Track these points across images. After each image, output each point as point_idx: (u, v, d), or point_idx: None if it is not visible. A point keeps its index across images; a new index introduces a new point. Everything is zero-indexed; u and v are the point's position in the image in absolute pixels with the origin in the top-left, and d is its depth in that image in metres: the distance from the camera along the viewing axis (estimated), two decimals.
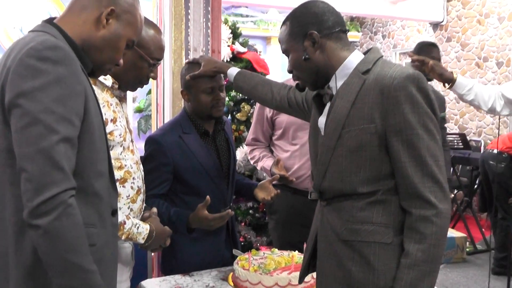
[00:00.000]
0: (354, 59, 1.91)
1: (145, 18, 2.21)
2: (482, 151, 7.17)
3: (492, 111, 3.04)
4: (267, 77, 4.94)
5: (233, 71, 2.61)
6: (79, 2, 1.72)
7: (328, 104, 1.96)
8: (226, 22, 4.84)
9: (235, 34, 4.85)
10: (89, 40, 1.69)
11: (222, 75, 2.72)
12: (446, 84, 3.08)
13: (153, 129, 4.34)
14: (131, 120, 7.77)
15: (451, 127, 8.89)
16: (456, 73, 3.09)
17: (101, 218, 1.67)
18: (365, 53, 1.94)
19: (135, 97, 8.76)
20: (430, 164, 1.75)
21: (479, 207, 6.34)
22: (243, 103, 4.65)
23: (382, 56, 1.92)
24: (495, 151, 5.76)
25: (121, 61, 1.80)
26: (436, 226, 1.73)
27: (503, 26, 8.08)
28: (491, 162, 5.76)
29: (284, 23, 2.02)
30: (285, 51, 2.03)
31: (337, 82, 1.92)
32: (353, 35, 11.08)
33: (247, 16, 9.84)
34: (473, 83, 3.05)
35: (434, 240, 1.73)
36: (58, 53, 1.50)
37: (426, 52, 3.95)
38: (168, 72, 4.00)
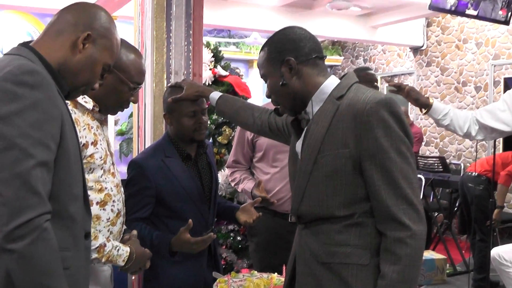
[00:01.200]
0: (329, 84, 1.95)
1: (125, 42, 2.24)
2: (461, 174, 7.24)
3: (467, 135, 3.09)
4: (249, 100, 5.02)
5: (215, 95, 2.63)
6: (56, 26, 1.73)
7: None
8: (208, 45, 4.88)
9: (217, 58, 4.89)
10: (66, 64, 1.69)
11: (204, 98, 2.74)
12: (423, 109, 3.13)
13: (135, 152, 4.34)
14: (112, 143, 7.77)
15: (431, 150, 8.98)
16: (432, 98, 3.14)
17: (75, 242, 1.66)
18: (341, 79, 1.98)
19: (117, 120, 8.78)
20: (404, 187, 1.78)
21: (459, 229, 6.40)
22: (224, 127, 4.67)
23: (357, 81, 1.96)
24: (474, 173, 5.83)
25: (97, 85, 1.80)
26: (411, 248, 1.76)
27: (480, 52, 8.23)
28: (470, 184, 5.82)
29: (262, 48, 2.06)
30: (263, 76, 2.07)
31: (313, 107, 1.95)
32: (334, 59, 11.20)
33: (229, 39, 9.91)
34: (449, 108, 3.10)
35: (409, 261, 1.76)
36: (35, 78, 1.51)
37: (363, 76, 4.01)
38: (149, 96, 4.01)
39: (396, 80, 9.82)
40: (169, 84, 3.33)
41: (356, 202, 1.85)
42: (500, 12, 5.46)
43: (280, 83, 1.97)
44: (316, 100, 1.95)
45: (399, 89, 3.18)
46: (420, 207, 1.81)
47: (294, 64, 1.95)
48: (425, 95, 3.18)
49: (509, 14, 5.59)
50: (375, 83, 3.92)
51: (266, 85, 2.08)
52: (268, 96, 2.09)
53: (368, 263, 1.84)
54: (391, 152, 1.78)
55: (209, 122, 4.58)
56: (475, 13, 5.26)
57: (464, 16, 5.69)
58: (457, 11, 5.40)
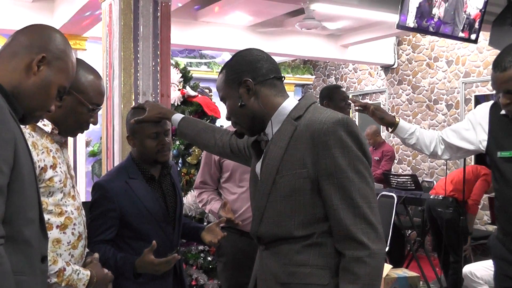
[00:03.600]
0: (287, 105, 1.97)
1: (84, 63, 2.22)
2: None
3: (434, 155, 3.12)
4: (218, 120, 5.04)
5: (177, 117, 2.63)
6: (10, 48, 1.72)
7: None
8: (177, 65, 4.88)
9: (186, 78, 4.90)
10: (20, 87, 1.68)
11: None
12: (389, 128, 3.16)
13: (104, 173, 4.31)
14: (84, 164, 7.65)
15: (404, 168, 9.04)
16: (398, 117, 3.17)
17: (31, 265, 1.64)
18: (299, 100, 2.00)
19: (89, 141, 8.73)
20: (362, 206, 1.79)
21: (433, 246, 6.41)
22: (193, 147, 4.67)
23: (315, 102, 1.98)
24: (439, 197, 5.86)
25: (53, 107, 1.79)
26: (370, 267, 1.77)
27: (451, 70, 8.33)
28: (439, 209, 5.81)
29: (221, 71, 2.08)
30: (222, 98, 2.08)
31: (273, 128, 1.97)
32: (306, 78, 11.26)
33: (200, 59, 9.93)
34: (416, 127, 3.13)
35: (368, 280, 1.76)
36: None
37: (330, 95, 4.05)
38: (117, 116, 4.01)
39: (367, 99, 9.91)
40: (131, 106, 3.32)
41: (314, 222, 1.86)
42: (462, 34, 5.57)
43: (239, 104, 1.99)
44: (275, 121, 1.96)
45: (364, 108, 3.21)
46: (379, 226, 1.82)
47: (252, 85, 1.96)
48: (396, 114, 3.21)
49: (474, 34, 5.71)
50: (348, 101, 3.96)
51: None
52: (227, 118, 2.10)
53: (328, 283, 1.84)
54: (349, 172, 1.80)
55: (178, 142, 4.61)
56: (440, 32, 5.37)
57: (433, 35, 5.80)
58: (422, 30, 5.50)
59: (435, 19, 5.36)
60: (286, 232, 1.89)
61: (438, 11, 5.35)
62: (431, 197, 6.08)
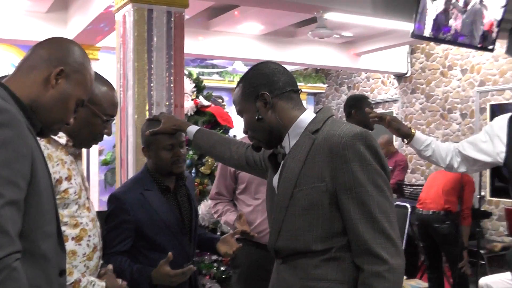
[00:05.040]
0: (305, 118, 1.96)
1: (98, 74, 2.22)
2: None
3: (450, 168, 3.10)
4: (231, 130, 5.03)
5: (192, 129, 2.63)
6: (29, 61, 1.72)
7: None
8: (190, 75, 4.89)
9: (199, 88, 4.91)
10: (38, 101, 1.68)
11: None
12: (405, 140, 3.14)
13: (117, 183, 4.32)
14: (97, 173, 7.71)
15: (417, 178, 8.99)
16: (414, 129, 3.15)
17: (48, 280, 1.64)
18: (317, 113, 1.99)
19: (102, 150, 8.76)
20: (381, 220, 1.78)
21: (428, 265, 6.23)
22: (207, 157, 4.66)
23: (333, 115, 1.98)
24: (431, 212, 5.67)
25: (72, 120, 1.79)
26: (389, 282, 1.75)
27: (465, 78, 8.28)
28: (435, 225, 5.64)
29: (237, 85, 2.08)
30: (239, 112, 2.08)
31: (290, 141, 1.96)
32: (318, 87, 11.25)
33: (212, 68, 9.94)
34: (431, 139, 3.11)
35: None
36: (4, 116, 1.50)
37: (358, 105, 4.03)
38: (131, 127, 4.02)
39: (380, 108, 9.87)
40: (146, 118, 3.32)
41: (333, 236, 1.85)
42: (479, 44, 5.53)
43: (256, 118, 1.99)
44: (292, 134, 1.96)
45: (380, 119, 3.20)
46: (398, 241, 1.81)
47: (269, 98, 1.96)
48: (409, 123, 3.20)
49: (491, 45, 5.66)
50: None
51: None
52: (245, 132, 2.10)
53: None
54: (367, 186, 1.79)
55: (191, 152, 4.61)
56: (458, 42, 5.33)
57: (449, 44, 5.76)
58: (438, 40, 5.47)
59: (452, 31, 5.33)
60: (304, 246, 1.88)
61: (455, 23, 5.32)
62: (422, 212, 5.84)
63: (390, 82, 9.77)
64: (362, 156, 1.79)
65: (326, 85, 11.37)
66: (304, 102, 9.53)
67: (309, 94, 11.45)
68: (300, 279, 1.89)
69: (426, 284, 5.70)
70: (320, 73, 11.38)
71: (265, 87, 1.97)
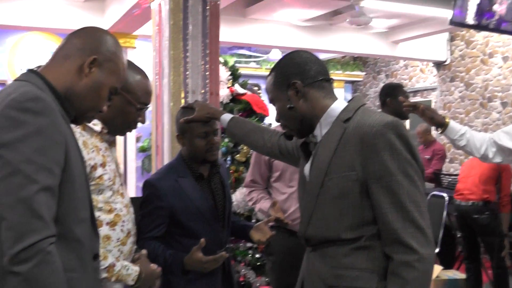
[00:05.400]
0: (336, 107, 1.96)
1: (132, 63, 2.26)
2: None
3: (484, 158, 3.05)
4: (267, 118, 5.04)
5: (226, 117, 2.65)
6: (63, 51, 1.76)
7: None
8: (225, 63, 4.90)
9: (235, 76, 4.91)
10: (72, 89, 1.72)
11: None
12: (439, 129, 3.10)
13: (153, 170, 4.37)
14: (134, 159, 7.81)
15: (456, 167, 8.87)
16: (448, 118, 3.11)
17: (82, 263, 1.68)
18: (349, 102, 1.99)
19: (139, 137, 8.87)
20: (411, 210, 1.77)
21: (465, 256, 6.12)
22: (242, 145, 4.68)
23: (364, 104, 1.97)
24: (471, 203, 5.55)
25: (105, 108, 1.83)
26: (418, 271, 1.75)
27: (507, 66, 8.11)
28: (474, 216, 5.52)
29: (270, 73, 2.09)
30: (272, 101, 2.09)
31: (321, 130, 1.97)
32: (356, 75, 11.17)
33: (249, 56, 9.95)
34: (466, 129, 3.06)
35: (416, 285, 1.75)
36: (39, 104, 1.54)
37: (394, 93, 3.98)
38: (167, 115, 4.05)
39: (418, 96, 9.76)
40: (181, 106, 3.35)
41: (363, 225, 1.85)
42: None
43: (288, 106, 2.00)
44: (324, 123, 1.96)
45: (414, 108, 3.17)
46: (428, 230, 1.79)
47: (300, 87, 1.97)
48: (448, 112, 3.15)
49: None
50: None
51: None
52: (277, 120, 2.11)
53: (376, 287, 1.83)
54: (398, 175, 1.78)
55: (227, 140, 4.63)
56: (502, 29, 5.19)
57: (491, 31, 5.63)
58: (480, 27, 5.34)
59: (496, 17, 5.19)
60: (334, 235, 1.88)
61: (500, 8, 5.19)
62: (461, 203, 5.72)
63: (428, 70, 9.65)
64: (393, 145, 1.79)
65: (364, 73, 11.29)
66: (341, 90, 9.56)
67: (346, 82, 11.39)
68: (330, 268, 1.90)
69: (463, 275, 5.61)
70: (358, 61, 11.30)
71: (297, 76, 1.98)
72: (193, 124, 2.69)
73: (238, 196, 4.51)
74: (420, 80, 9.84)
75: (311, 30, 8.09)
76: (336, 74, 10.72)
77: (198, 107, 2.69)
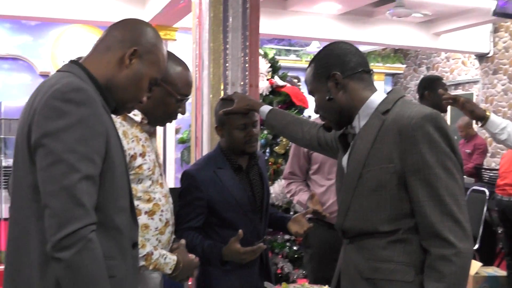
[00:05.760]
0: (375, 99, 1.95)
1: (173, 55, 2.29)
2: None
3: None
4: (306, 110, 5.02)
5: (265, 109, 2.65)
6: (104, 42, 1.80)
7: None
8: (265, 55, 4.90)
9: (275, 68, 4.90)
10: (113, 80, 1.75)
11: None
12: (479, 122, 3.06)
13: (192, 161, 4.40)
14: (173, 151, 7.90)
15: (497, 162, 8.69)
16: (489, 111, 3.06)
17: (122, 251, 1.72)
18: (388, 93, 1.98)
19: (179, 128, 8.94)
20: (449, 203, 1.76)
21: (506, 252, 5.99)
22: (281, 137, 4.68)
23: (403, 96, 1.96)
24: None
25: (145, 98, 1.85)
26: (456, 266, 1.74)
27: None
28: None
29: (309, 65, 2.09)
30: (311, 92, 2.09)
31: (360, 122, 1.97)
32: (396, 67, 11.06)
33: (289, 48, 9.93)
34: (507, 122, 3.01)
35: (453, 280, 1.73)
36: (81, 95, 1.58)
37: (432, 86, 3.91)
38: (206, 106, 4.07)
39: (460, 89, 9.61)
40: (220, 97, 3.37)
41: (400, 218, 1.84)
42: None
43: (327, 98, 2.00)
44: (363, 114, 1.96)
45: (454, 101, 3.14)
46: (466, 224, 1.78)
47: (340, 78, 1.96)
48: (490, 105, 3.10)
49: None
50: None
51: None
52: (316, 112, 2.11)
53: (413, 280, 1.82)
54: (436, 168, 1.77)
55: (266, 132, 4.63)
56: None
57: None
58: None
59: None
60: (371, 227, 1.88)
61: None
62: (502, 198, 5.61)
63: (470, 62, 9.49)
64: (432, 137, 1.77)
65: (404, 66, 11.17)
66: (381, 83, 9.49)
67: (387, 74, 11.29)
68: (366, 260, 1.90)
69: (504, 272, 5.50)
70: (399, 53, 11.18)
71: (337, 68, 1.97)
72: (232, 116, 2.70)
73: (276, 188, 4.51)
74: (461, 72, 9.68)
75: (351, 22, 8.04)
76: (376, 67, 10.64)
77: (237, 99, 2.70)
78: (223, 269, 2.68)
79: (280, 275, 4.50)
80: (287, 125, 2.58)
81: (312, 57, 2.12)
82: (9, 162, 6.23)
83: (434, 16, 8.01)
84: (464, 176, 6.14)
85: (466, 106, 3.07)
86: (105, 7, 6.76)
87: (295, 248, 4.55)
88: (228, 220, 2.73)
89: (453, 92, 8.80)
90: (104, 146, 1.62)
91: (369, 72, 2.02)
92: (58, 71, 1.75)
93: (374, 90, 2.00)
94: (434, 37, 8.64)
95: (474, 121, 3.33)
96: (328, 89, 1.99)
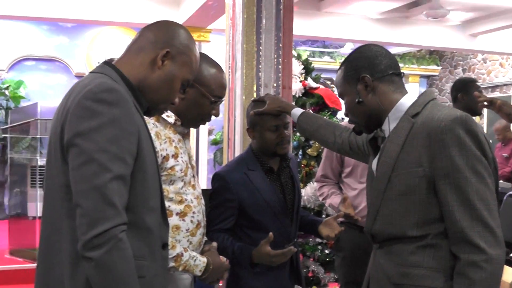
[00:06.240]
0: (405, 102, 1.94)
1: (207, 57, 2.30)
2: None
3: None
4: (339, 112, 4.99)
5: (297, 111, 2.64)
6: (137, 44, 1.81)
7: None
8: (299, 57, 4.88)
9: (308, 69, 4.88)
10: (145, 81, 1.77)
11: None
12: None
13: (225, 163, 4.40)
14: (206, 152, 7.93)
15: None
16: None
17: (151, 251, 1.73)
18: (418, 96, 1.96)
19: (212, 130, 8.98)
20: (480, 208, 1.73)
21: None
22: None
23: (434, 98, 1.94)
24: None
25: (177, 100, 1.86)
26: (486, 272, 1.70)
27: None
28: None
29: (340, 67, 2.08)
30: (341, 95, 2.09)
31: (390, 125, 1.95)
32: (432, 69, 10.95)
33: (323, 50, 9.89)
34: None
35: (484, 287, 1.70)
36: (113, 96, 1.59)
37: (465, 88, 3.84)
38: (239, 108, 4.08)
39: (497, 91, 9.46)
40: (252, 99, 3.36)
41: (430, 222, 1.82)
42: None
43: (356, 100, 1.99)
44: (392, 117, 1.94)
45: (490, 103, 3.09)
46: (497, 230, 1.74)
47: (370, 81, 1.95)
48: None
49: None
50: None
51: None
52: (346, 115, 2.11)
53: (442, 286, 1.80)
54: (466, 172, 1.74)
55: (298, 133, 4.61)
56: None
57: None
58: None
59: None
60: (400, 232, 1.87)
61: None
62: None
63: (509, 64, 9.34)
64: (462, 141, 1.75)
65: (440, 67, 11.05)
66: (416, 85, 9.39)
67: (422, 76, 11.18)
68: (395, 265, 1.88)
69: None
70: (434, 55, 11.06)
71: (367, 70, 1.96)
72: (264, 117, 2.69)
73: (309, 191, 4.49)
74: (499, 74, 9.53)
75: (386, 23, 7.97)
76: (411, 69, 10.55)
77: (269, 100, 2.69)
78: (253, 272, 2.67)
79: (311, 279, 4.48)
80: (318, 128, 2.57)
81: (343, 60, 2.11)
82: (45, 161, 6.34)
83: (471, 17, 7.90)
84: (500, 181, 6.06)
85: (503, 109, 3.02)
86: (140, 9, 6.83)
87: (326, 251, 4.52)
88: (259, 222, 2.72)
89: (490, 95, 8.67)
90: (136, 146, 1.63)
91: (399, 74, 2.01)
92: (91, 72, 1.77)
93: (404, 92, 1.98)
94: (471, 38, 8.52)
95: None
96: (357, 91, 1.98)
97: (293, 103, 4.41)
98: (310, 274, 4.49)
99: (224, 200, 2.69)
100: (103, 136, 1.55)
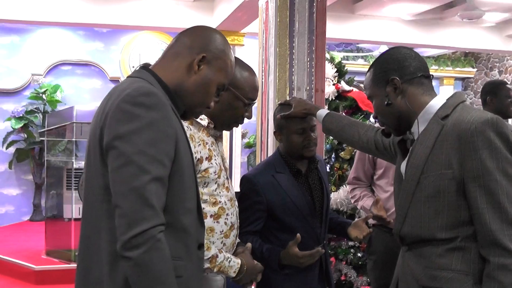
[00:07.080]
0: (435, 104, 1.94)
1: (240, 60, 2.34)
2: None
3: None
4: (372, 115, 4.97)
5: (322, 112, 2.66)
6: (173, 49, 1.86)
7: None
8: (332, 60, 4.88)
9: (341, 72, 4.88)
10: (182, 85, 1.81)
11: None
12: None
13: None
14: (240, 155, 7.96)
15: None
16: None
17: (188, 252, 1.76)
18: (448, 98, 1.95)
19: (246, 133, 9.02)
20: (510, 211, 1.72)
21: None
22: (338, 140, 4.64)
23: (464, 101, 1.93)
24: None
25: (212, 104, 1.90)
26: None
27: None
28: None
29: (369, 69, 2.10)
30: (370, 97, 2.10)
31: (419, 127, 1.95)
32: (467, 71, 10.82)
33: (357, 52, 9.86)
34: None
35: None
36: (151, 99, 1.64)
37: (494, 91, 3.78)
38: (272, 111, 4.10)
39: None
40: (278, 102, 3.38)
41: (459, 225, 1.82)
42: None
43: (385, 103, 1.99)
44: (421, 120, 1.94)
45: None
46: None
47: (399, 83, 1.96)
48: None
49: None
50: None
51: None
52: (374, 117, 2.12)
53: None
54: (496, 174, 1.74)
55: (331, 137, 4.61)
56: None
57: None
58: None
59: None
60: (428, 234, 1.86)
61: None
62: None
63: None
64: (492, 143, 1.74)
65: (475, 70, 10.91)
66: (451, 88, 9.28)
67: (457, 79, 11.05)
68: (424, 268, 1.88)
69: None
70: (470, 57, 10.93)
71: (396, 72, 1.97)
72: (290, 120, 2.71)
73: (341, 193, 4.48)
74: None
75: (420, 25, 7.92)
76: (446, 71, 10.44)
77: (295, 103, 2.71)
78: (283, 274, 2.68)
79: (344, 282, 4.46)
80: (343, 128, 2.58)
81: (372, 62, 2.12)
82: (80, 164, 6.42)
83: (507, 18, 7.79)
84: None
85: None
86: (174, 14, 6.91)
87: (359, 254, 4.51)
88: (287, 224, 2.73)
89: None
90: (173, 149, 1.67)
91: (428, 77, 2.01)
92: (128, 76, 1.82)
93: (433, 95, 1.98)
94: (507, 40, 8.41)
95: None
96: (386, 94, 1.99)
97: (326, 106, 4.43)
98: (342, 278, 4.48)
99: (253, 203, 2.71)
100: (141, 138, 1.59)
